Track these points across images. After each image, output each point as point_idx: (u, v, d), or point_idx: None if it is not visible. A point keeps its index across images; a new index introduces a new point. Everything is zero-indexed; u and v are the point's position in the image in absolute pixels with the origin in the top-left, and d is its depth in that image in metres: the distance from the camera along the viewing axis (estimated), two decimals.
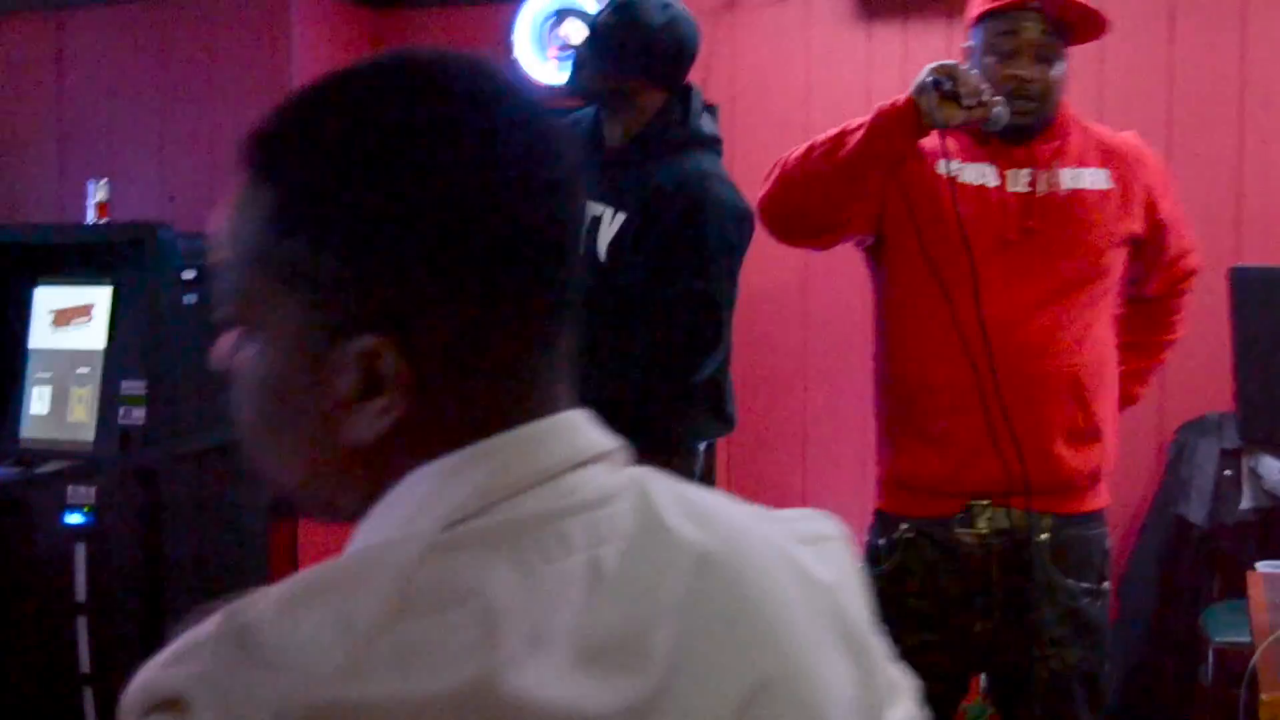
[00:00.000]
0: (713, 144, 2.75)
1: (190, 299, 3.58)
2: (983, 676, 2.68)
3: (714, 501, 0.80)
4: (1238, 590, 2.79)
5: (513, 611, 0.66)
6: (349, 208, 0.71)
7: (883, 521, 2.44)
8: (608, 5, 2.79)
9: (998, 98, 2.24)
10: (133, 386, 3.61)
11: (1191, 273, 2.57)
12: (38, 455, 3.67)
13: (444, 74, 0.75)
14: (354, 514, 0.75)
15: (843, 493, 3.78)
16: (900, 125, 2.23)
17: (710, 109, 2.81)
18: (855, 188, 2.31)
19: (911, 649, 2.35)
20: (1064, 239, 2.33)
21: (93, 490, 3.51)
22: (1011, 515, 2.32)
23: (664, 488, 0.77)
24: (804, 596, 0.77)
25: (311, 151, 0.73)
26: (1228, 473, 3.51)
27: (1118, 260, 2.40)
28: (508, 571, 0.68)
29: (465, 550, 0.68)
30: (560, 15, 4.03)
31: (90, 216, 3.93)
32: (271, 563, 3.87)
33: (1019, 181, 2.34)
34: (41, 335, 3.83)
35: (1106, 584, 2.40)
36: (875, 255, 2.46)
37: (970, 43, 2.40)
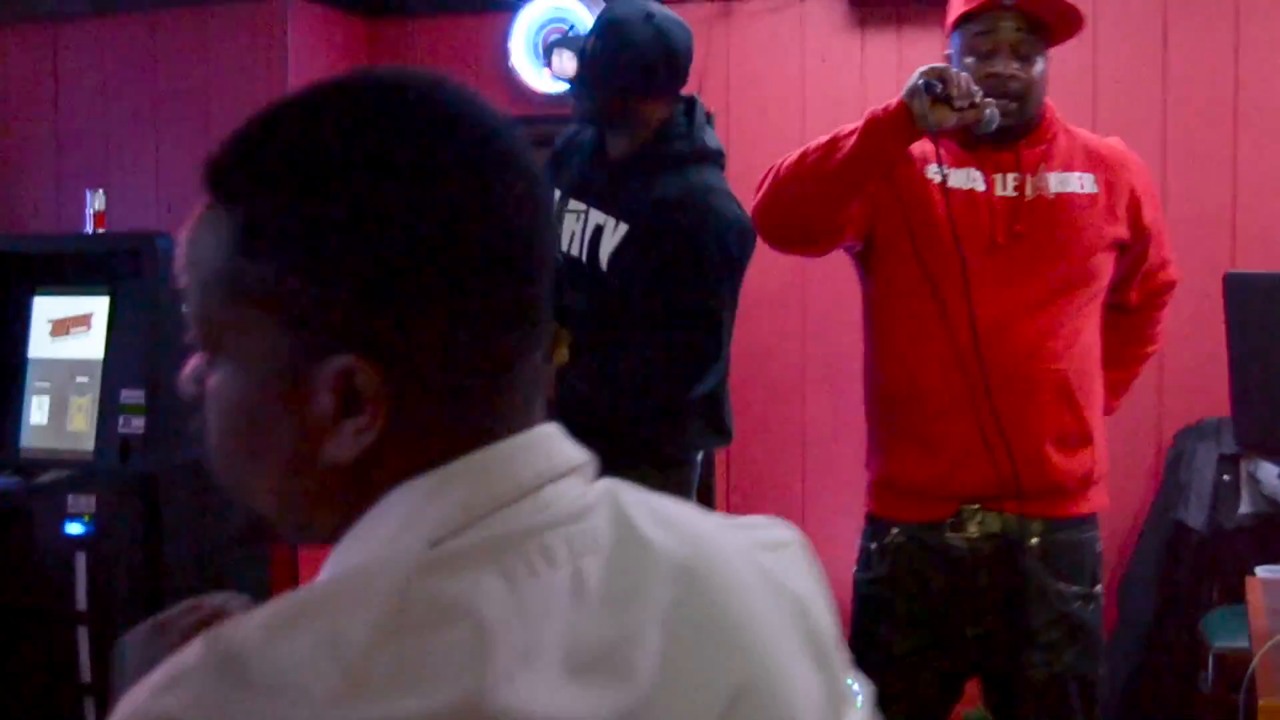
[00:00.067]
0: (716, 158, 2.74)
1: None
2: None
3: (680, 511, 0.81)
4: (1237, 595, 2.79)
5: (503, 627, 0.66)
6: (314, 229, 0.71)
7: (873, 525, 2.44)
8: (593, 30, 2.78)
9: (989, 99, 2.24)
10: (132, 395, 3.61)
11: (1171, 285, 2.57)
12: (37, 465, 3.68)
13: (404, 94, 0.75)
14: (332, 534, 0.75)
15: (842, 499, 3.78)
16: (892, 129, 2.22)
17: (707, 118, 2.81)
18: (849, 193, 2.30)
19: (903, 653, 2.36)
20: (1052, 243, 2.33)
21: (93, 499, 3.51)
22: (1002, 519, 2.32)
23: (635, 499, 0.78)
24: (774, 605, 0.79)
25: (274, 174, 0.73)
26: (1226, 478, 3.51)
27: (1106, 264, 2.39)
28: (496, 587, 0.68)
29: (454, 567, 0.68)
30: (549, 48, 4.00)
31: (88, 226, 3.93)
32: (272, 572, 3.87)
33: (1006, 185, 2.35)
34: (40, 345, 3.84)
35: (1099, 587, 2.40)
36: (864, 260, 2.46)
37: (949, 49, 2.40)
